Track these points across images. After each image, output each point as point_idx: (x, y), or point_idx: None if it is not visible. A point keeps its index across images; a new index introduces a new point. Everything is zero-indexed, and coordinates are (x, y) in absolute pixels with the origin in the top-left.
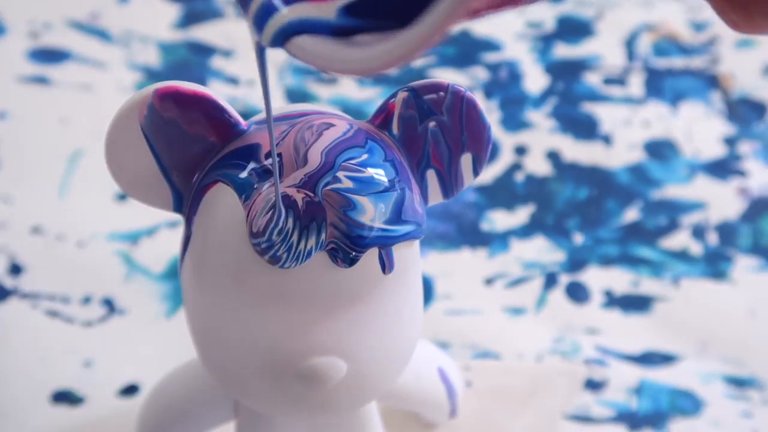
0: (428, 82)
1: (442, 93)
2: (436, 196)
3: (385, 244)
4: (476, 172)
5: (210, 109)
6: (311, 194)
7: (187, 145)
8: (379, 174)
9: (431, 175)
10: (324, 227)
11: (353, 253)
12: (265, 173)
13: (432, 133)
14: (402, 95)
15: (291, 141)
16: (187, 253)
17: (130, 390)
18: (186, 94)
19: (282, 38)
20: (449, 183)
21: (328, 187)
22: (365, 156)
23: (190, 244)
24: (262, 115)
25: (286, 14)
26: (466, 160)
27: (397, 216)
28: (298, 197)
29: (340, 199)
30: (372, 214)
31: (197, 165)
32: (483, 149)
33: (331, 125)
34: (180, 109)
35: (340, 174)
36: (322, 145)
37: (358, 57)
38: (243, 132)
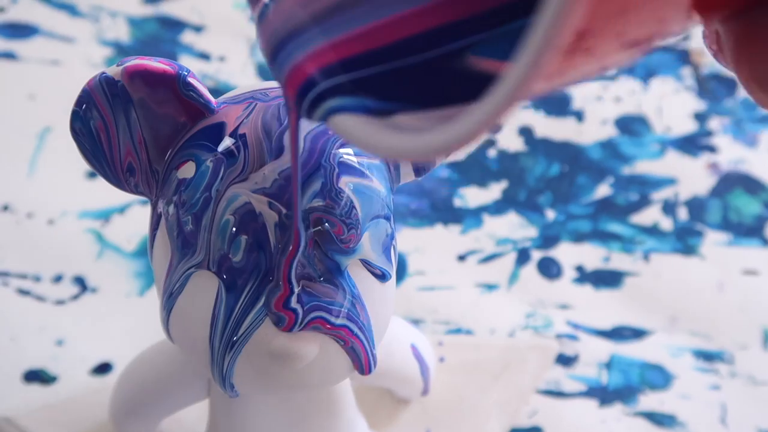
0: None
1: None
2: (407, 175)
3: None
4: None
5: (180, 89)
6: (287, 212)
7: (156, 125)
8: (382, 191)
9: None
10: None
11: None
12: (226, 158)
13: None
14: None
15: (257, 118)
16: (158, 232)
17: (103, 368)
18: (155, 73)
19: (323, 115)
20: (421, 162)
21: (319, 202)
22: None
23: (162, 223)
24: (232, 93)
25: (324, 87)
26: None
27: (387, 254)
28: (269, 217)
29: (330, 234)
30: (371, 256)
31: (168, 144)
32: None
33: None
34: (149, 88)
35: (342, 181)
36: (305, 126)
37: (406, 145)
38: (213, 111)
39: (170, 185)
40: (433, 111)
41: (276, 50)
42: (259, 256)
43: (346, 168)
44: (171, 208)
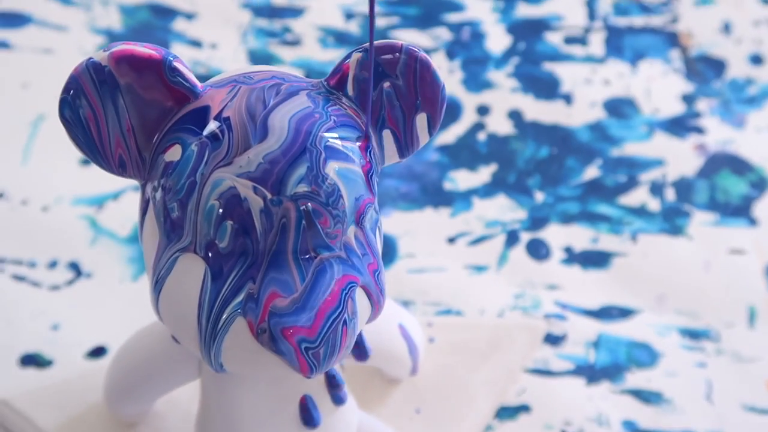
0: (382, 43)
1: (396, 54)
2: (392, 156)
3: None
4: (431, 131)
5: (165, 74)
6: (273, 197)
7: (143, 110)
8: (363, 177)
9: (387, 135)
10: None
11: (312, 370)
12: (210, 141)
13: (387, 94)
14: (356, 56)
15: (242, 101)
16: (147, 216)
17: (98, 352)
18: (141, 58)
19: None
20: (405, 143)
21: (304, 188)
22: (361, 143)
23: (150, 207)
24: (217, 78)
25: None
26: (421, 120)
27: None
28: (254, 202)
29: (316, 225)
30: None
31: (155, 128)
32: (437, 109)
33: (306, 90)
34: (136, 73)
35: (328, 166)
36: (290, 109)
37: None
38: (198, 95)
39: (157, 169)
40: None
41: None
42: (245, 242)
43: (333, 152)
44: (158, 193)
